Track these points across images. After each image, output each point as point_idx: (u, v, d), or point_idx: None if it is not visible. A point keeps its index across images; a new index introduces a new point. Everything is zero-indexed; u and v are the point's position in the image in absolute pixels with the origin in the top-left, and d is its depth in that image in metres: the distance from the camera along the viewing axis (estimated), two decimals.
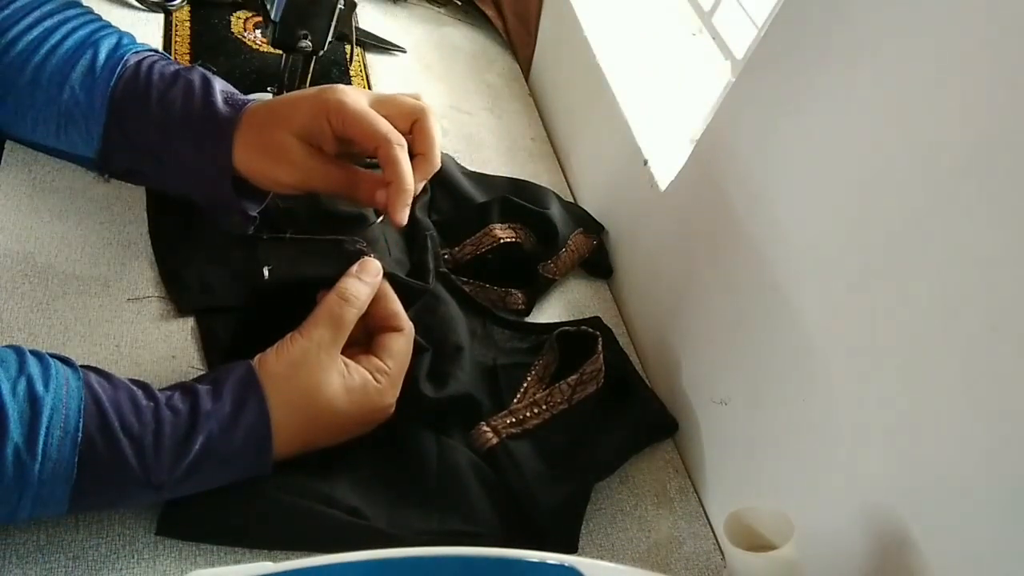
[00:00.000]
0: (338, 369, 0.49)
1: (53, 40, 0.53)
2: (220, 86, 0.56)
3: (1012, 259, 0.36)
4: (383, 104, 0.55)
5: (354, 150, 0.56)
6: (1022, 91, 0.36)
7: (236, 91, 0.57)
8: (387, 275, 0.54)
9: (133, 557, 0.45)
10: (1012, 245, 0.36)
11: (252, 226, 0.58)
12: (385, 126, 0.52)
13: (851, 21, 0.46)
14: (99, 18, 0.57)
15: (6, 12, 0.53)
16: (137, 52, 0.56)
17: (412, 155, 0.55)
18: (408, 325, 0.54)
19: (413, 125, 0.55)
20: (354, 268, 0.52)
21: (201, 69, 0.56)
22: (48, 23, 0.54)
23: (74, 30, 0.54)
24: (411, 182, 0.53)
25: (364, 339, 0.53)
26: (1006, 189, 0.37)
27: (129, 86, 0.54)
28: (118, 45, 0.55)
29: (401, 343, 0.52)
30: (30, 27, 0.53)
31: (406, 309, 0.54)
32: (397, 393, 0.52)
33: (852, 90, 0.46)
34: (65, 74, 0.53)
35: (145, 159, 0.56)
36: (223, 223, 0.58)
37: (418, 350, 0.55)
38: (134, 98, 0.54)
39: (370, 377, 0.50)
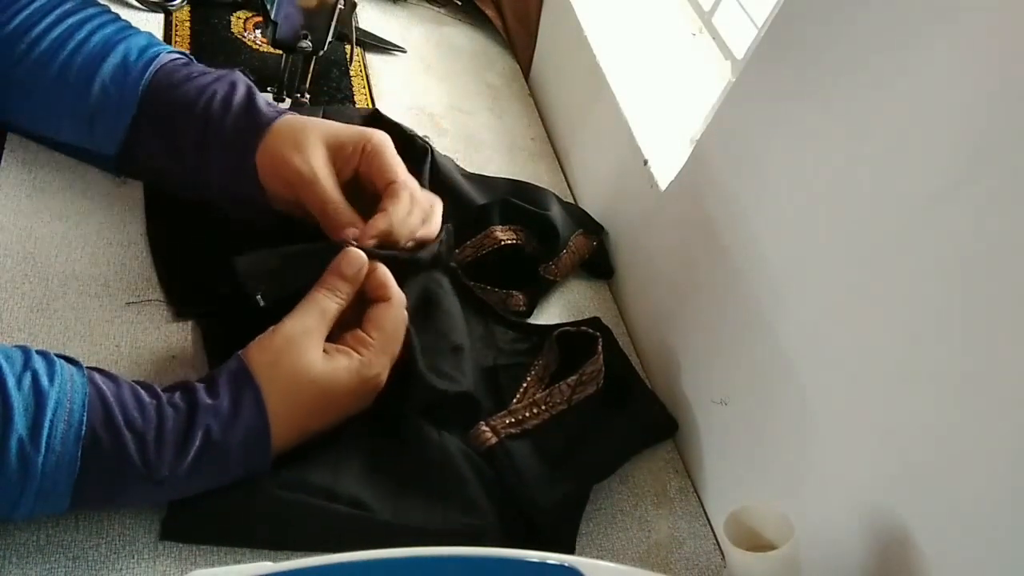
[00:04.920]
0: (320, 352, 0.49)
1: (79, 37, 0.54)
2: (261, 94, 0.58)
3: (1009, 258, 0.36)
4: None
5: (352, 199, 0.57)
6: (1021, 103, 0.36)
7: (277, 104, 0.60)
8: (374, 253, 0.54)
9: (133, 557, 0.45)
10: (1008, 242, 0.36)
11: (270, 222, 0.59)
12: (406, 175, 0.57)
13: (852, 21, 0.46)
14: (119, 17, 0.59)
15: (27, 12, 0.54)
16: (171, 52, 0.58)
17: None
18: (396, 294, 0.54)
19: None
20: (336, 260, 0.52)
21: (244, 75, 0.58)
22: (71, 20, 0.55)
23: (100, 27, 0.55)
24: (398, 221, 0.55)
25: (356, 322, 0.53)
26: (1001, 196, 0.37)
27: (167, 79, 0.55)
28: (150, 44, 0.57)
29: (388, 313, 0.52)
30: (53, 25, 0.54)
31: (398, 283, 0.55)
32: (386, 363, 0.52)
33: (852, 90, 0.46)
34: (95, 69, 0.54)
35: (171, 153, 0.56)
36: (242, 215, 0.59)
37: (408, 335, 0.54)
38: (173, 88, 0.55)
39: (353, 353, 0.50)
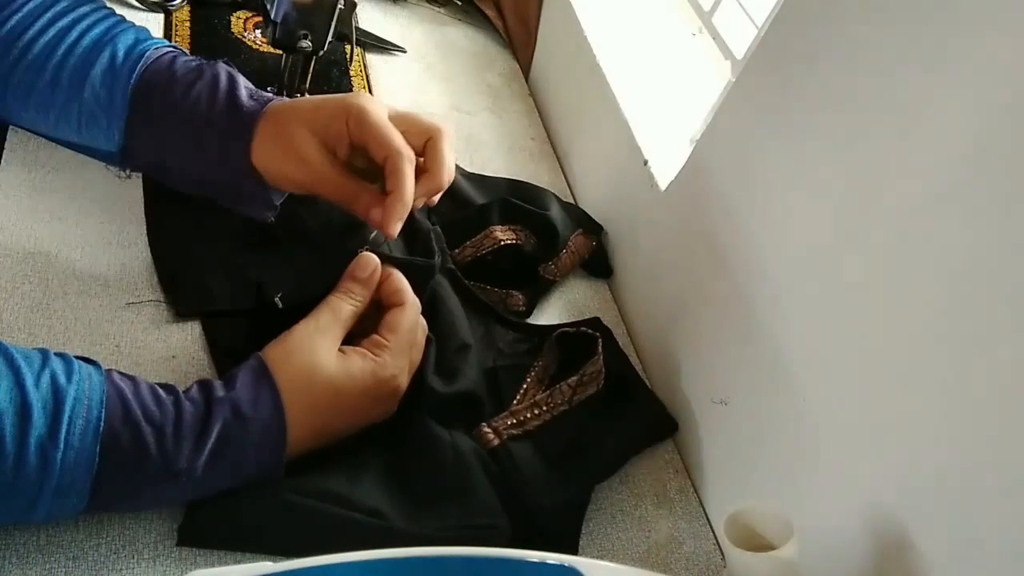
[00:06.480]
0: (335, 352, 0.50)
1: (69, 40, 0.54)
2: (244, 82, 0.57)
3: (1008, 259, 0.36)
4: (402, 119, 0.56)
5: (361, 164, 0.57)
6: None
7: (258, 90, 0.58)
8: (390, 259, 0.56)
9: (133, 558, 0.45)
10: (1007, 244, 0.36)
11: (273, 215, 0.59)
12: (399, 139, 0.54)
13: (852, 21, 0.46)
14: (111, 13, 0.58)
15: (20, 15, 0.54)
16: (157, 48, 0.57)
17: (420, 172, 0.56)
18: (411, 299, 0.54)
19: (426, 143, 0.57)
20: (351, 266, 0.54)
21: (225, 65, 0.57)
22: (62, 23, 0.55)
23: (89, 28, 0.55)
24: (410, 196, 0.54)
25: (374, 329, 0.53)
26: (1000, 198, 0.37)
27: (153, 80, 0.55)
28: (136, 41, 0.56)
29: (403, 317, 0.53)
30: (44, 28, 0.54)
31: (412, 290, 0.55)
32: (403, 366, 0.52)
33: (852, 90, 0.46)
34: (85, 73, 0.54)
35: (170, 152, 0.57)
36: (244, 212, 0.59)
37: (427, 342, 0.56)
38: (159, 92, 0.55)
39: (368, 354, 0.51)
